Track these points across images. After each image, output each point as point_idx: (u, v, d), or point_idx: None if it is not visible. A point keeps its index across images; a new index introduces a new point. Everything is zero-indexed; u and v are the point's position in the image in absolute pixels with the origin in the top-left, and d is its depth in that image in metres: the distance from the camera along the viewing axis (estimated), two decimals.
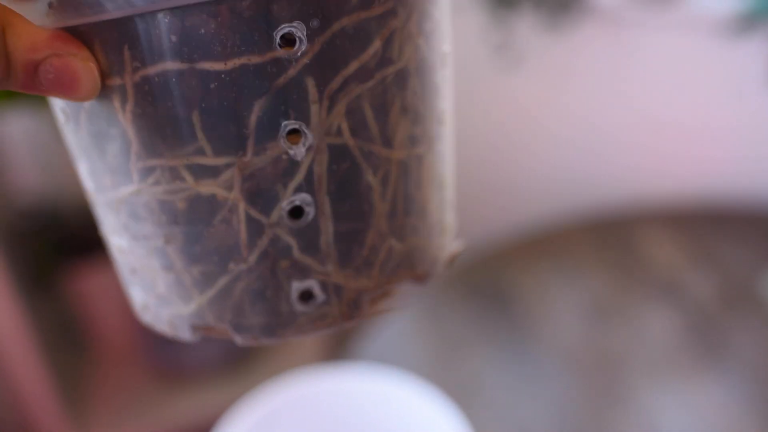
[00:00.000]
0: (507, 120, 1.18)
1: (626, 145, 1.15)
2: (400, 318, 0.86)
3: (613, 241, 0.98)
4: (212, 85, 0.24)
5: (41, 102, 1.05)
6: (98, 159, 0.27)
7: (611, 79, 1.11)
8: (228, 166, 0.25)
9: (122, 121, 0.25)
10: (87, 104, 0.26)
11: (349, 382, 0.54)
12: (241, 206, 0.26)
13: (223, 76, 0.24)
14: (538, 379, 0.77)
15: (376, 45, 0.25)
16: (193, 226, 0.27)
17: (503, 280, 0.92)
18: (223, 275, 0.27)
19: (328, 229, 0.27)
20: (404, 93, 0.27)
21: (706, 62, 1.06)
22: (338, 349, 1.37)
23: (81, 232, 1.25)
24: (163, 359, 1.24)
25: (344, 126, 0.26)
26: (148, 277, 0.29)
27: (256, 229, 0.26)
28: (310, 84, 0.25)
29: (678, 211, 1.04)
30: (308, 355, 1.25)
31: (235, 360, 1.25)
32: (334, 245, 0.27)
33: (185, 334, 0.29)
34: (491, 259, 0.96)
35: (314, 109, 0.25)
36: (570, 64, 1.11)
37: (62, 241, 1.25)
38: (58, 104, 0.28)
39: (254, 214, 0.26)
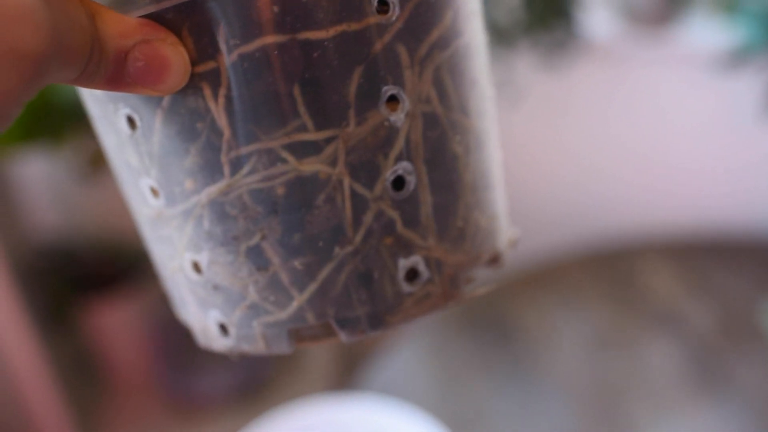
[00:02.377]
0: (507, 155, 1.20)
1: (624, 178, 1.17)
2: (406, 349, 0.87)
3: (613, 274, 0.99)
4: (315, 55, 0.24)
5: (57, 143, 1.08)
6: (175, 164, 0.25)
7: (608, 114, 1.13)
8: (330, 140, 0.25)
9: (213, 109, 0.24)
10: (165, 102, 0.25)
11: (353, 412, 0.56)
12: (346, 181, 0.25)
13: (325, 44, 0.24)
14: (541, 410, 0.78)
15: (449, 16, 0.26)
16: (293, 212, 0.25)
17: (505, 313, 0.93)
18: (327, 263, 0.26)
19: (427, 200, 0.27)
20: (471, 65, 0.28)
21: (701, 96, 1.08)
22: (345, 379, 1.38)
23: (96, 269, 1.28)
24: (175, 390, 1.26)
25: (432, 94, 0.26)
26: (235, 288, 0.27)
27: (360, 205, 0.25)
28: (402, 50, 0.25)
29: (676, 242, 1.05)
30: (316, 384, 1.27)
31: (245, 390, 1.27)
32: (433, 217, 0.27)
33: (281, 345, 0.27)
34: (493, 292, 0.98)
35: (408, 74, 0.25)
36: (568, 100, 1.13)
37: (78, 278, 1.27)
38: (122, 113, 0.26)
39: (358, 188, 0.25)
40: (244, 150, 0.24)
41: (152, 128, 0.25)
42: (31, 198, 1.32)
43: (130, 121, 0.26)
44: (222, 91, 0.24)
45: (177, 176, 0.26)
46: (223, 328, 0.28)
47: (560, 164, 1.18)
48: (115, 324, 1.24)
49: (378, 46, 0.24)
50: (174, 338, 1.26)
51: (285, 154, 0.24)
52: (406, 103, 0.25)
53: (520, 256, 1.28)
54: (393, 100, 0.25)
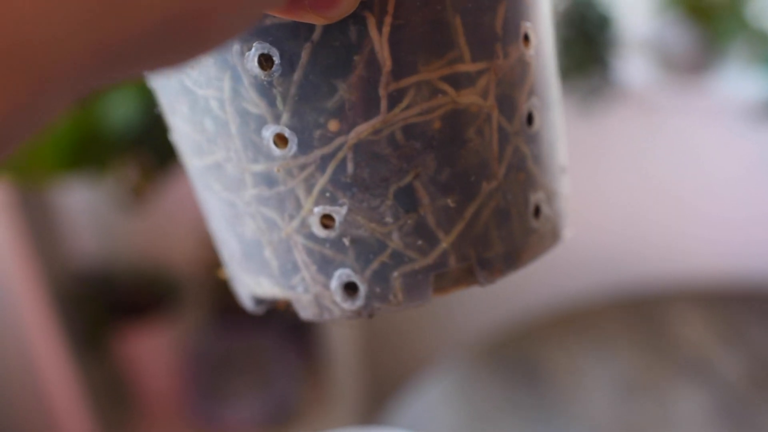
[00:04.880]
0: None
1: (657, 225, 1.17)
2: (433, 387, 0.88)
3: (643, 319, 0.99)
4: None
5: (101, 172, 1.11)
6: (317, 104, 0.24)
7: (642, 161, 1.13)
8: (482, 72, 0.24)
9: (375, 39, 0.23)
10: (317, 34, 0.23)
11: None
12: (494, 114, 0.25)
13: None
14: None
15: None
16: (447, 146, 0.24)
17: (534, 356, 0.93)
18: (474, 199, 0.25)
19: (545, 138, 0.27)
20: (552, 23, 0.30)
21: (735, 145, 1.08)
22: (372, 415, 1.39)
23: (132, 297, 1.31)
24: (205, 418, 1.27)
25: (543, 36, 0.26)
26: (375, 238, 0.25)
27: (504, 139, 0.25)
28: None
29: (707, 290, 1.05)
30: (343, 418, 1.28)
31: (274, 420, 1.28)
32: (548, 154, 0.27)
33: (422, 295, 0.26)
34: (522, 335, 0.98)
35: (533, 13, 0.26)
36: (602, 146, 1.14)
37: (114, 305, 1.30)
38: (254, 53, 0.24)
39: (503, 122, 0.25)
40: (404, 82, 0.24)
41: (294, 65, 0.24)
42: (73, 225, 1.36)
43: (265, 61, 0.24)
44: (388, 20, 0.23)
45: (317, 118, 0.24)
46: (352, 288, 0.26)
47: (594, 209, 1.19)
48: (148, 351, 1.26)
49: None
50: (205, 367, 1.28)
51: (443, 86, 0.24)
52: (535, 41, 0.26)
53: (550, 299, 1.28)
54: (525, 37, 0.26)
